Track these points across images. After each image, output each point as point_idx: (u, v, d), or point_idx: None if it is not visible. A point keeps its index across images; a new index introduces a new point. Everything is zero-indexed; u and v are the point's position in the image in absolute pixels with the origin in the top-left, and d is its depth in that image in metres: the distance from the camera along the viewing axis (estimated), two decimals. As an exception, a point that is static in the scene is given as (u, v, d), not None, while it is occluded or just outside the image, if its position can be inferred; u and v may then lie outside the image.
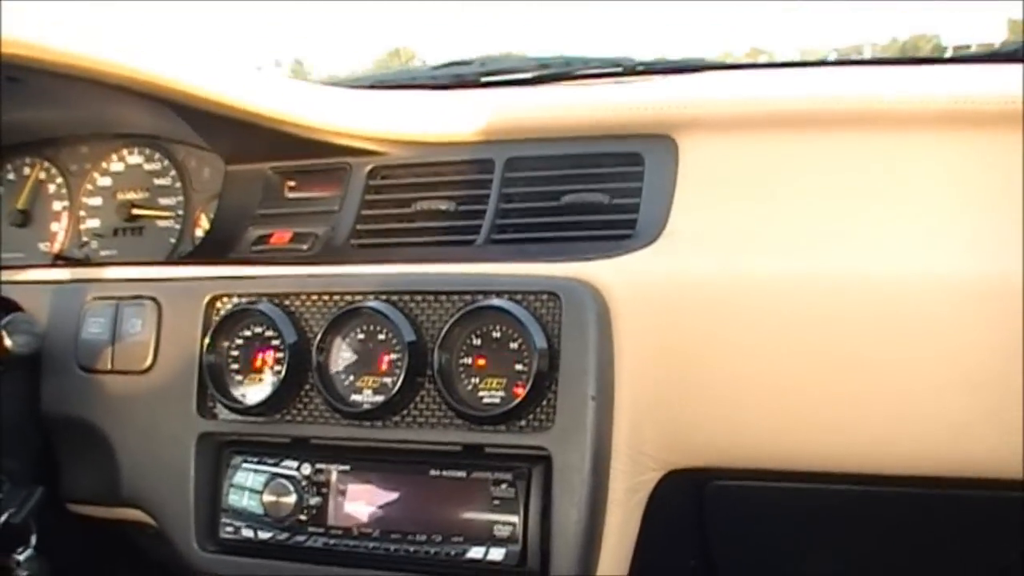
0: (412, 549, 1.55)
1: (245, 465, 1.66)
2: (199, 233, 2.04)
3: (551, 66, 2.16)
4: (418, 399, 1.59)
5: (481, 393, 1.54)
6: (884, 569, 1.72)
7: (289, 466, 1.63)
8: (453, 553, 1.53)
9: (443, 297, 1.59)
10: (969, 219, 1.48)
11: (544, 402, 1.53)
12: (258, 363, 1.67)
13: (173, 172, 2.08)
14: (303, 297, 1.66)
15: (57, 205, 2.17)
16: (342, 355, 1.62)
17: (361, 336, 1.61)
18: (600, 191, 1.67)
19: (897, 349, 1.46)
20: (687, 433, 1.53)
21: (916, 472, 1.48)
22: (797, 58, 2.24)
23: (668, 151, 1.65)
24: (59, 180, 2.17)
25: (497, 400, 1.53)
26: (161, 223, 2.08)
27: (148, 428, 1.73)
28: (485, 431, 1.55)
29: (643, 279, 1.54)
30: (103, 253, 2.10)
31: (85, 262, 2.03)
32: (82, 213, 2.14)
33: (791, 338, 1.49)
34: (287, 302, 1.67)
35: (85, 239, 2.12)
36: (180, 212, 2.07)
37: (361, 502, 1.59)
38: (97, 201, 2.13)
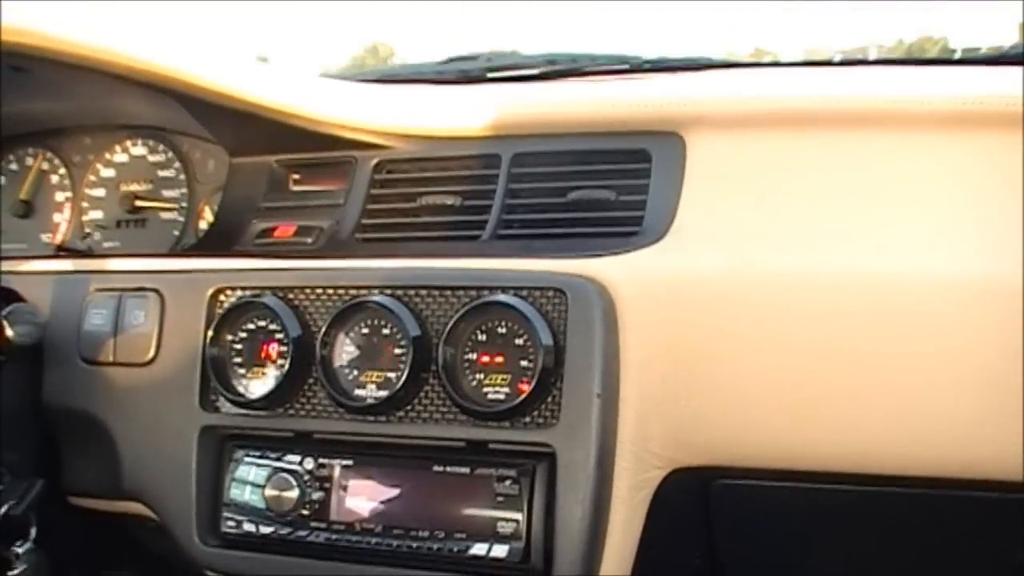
0: (415, 545, 1.54)
1: (247, 459, 1.65)
2: (203, 225, 2.04)
3: (557, 62, 2.16)
4: (422, 394, 1.58)
5: (486, 389, 1.54)
6: (889, 569, 1.71)
7: (292, 460, 1.62)
8: (456, 549, 1.52)
9: (448, 292, 1.58)
10: (972, 219, 1.47)
11: (549, 399, 1.52)
12: (261, 356, 1.66)
13: (177, 164, 2.08)
14: (307, 291, 1.65)
15: (60, 196, 2.16)
16: (346, 349, 1.61)
17: (365, 330, 1.60)
18: (607, 188, 1.66)
19: (901, 348, 1.45)
20: (692, 431, 1.52)
21: (921, 473, 1.47)
22: (802, 59, 2.23)
23: (675, 148, 1.64)
24: (62, 171, 2.16)
25: (502, 396, 1.52)
26: (164, 215, 2.08)
27: (150, 421, 1.72)
28: (489, 427, 1.54)
29: (650, 276, 1.53)
30: (106, 245, 2.10)
31: (88, 253, 2.02)
32: (85, 204, 2.13)
33: (797, 336, 1.48)
34: (291, 295, 1.66)
35: (88, 230, 2.12)
36: (184, 204, 2.07)
37: (364, 497, 1.58)
38: (100, 192, 2.13)
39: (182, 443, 1.68)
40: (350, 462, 1.59)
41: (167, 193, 2.08)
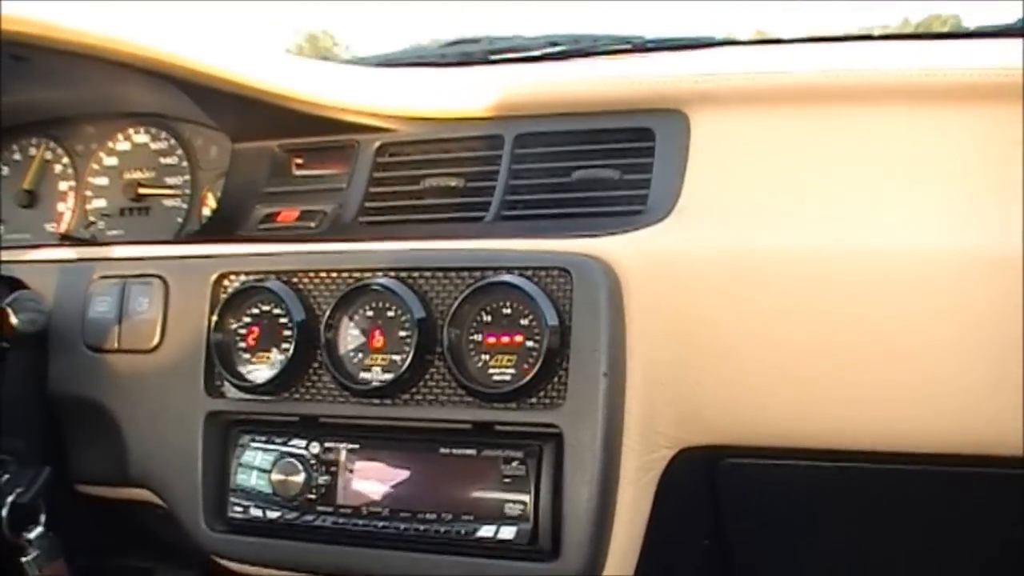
0: (422, 528, 1.54)
1: (253, 444, 1.64)
2: (206, 212, 2.03)
3: (559, 43, 2.15)
4: (428, 376, 1.57)
5: (491, 370, 1.53)
6: (898, 547, 1.70)
7: (297, 445, 1.61)
8: (463, 532, 1.52)
9: (452, 273, 1.57)
10: (974, 192, 1.47)
11: (555, 379, 1.51)
12: (266, 341, 1.65)
13: (180, 151, 2.08)
14: (311, 274, 1.64)
15: (63, 185, 2.16)
16: (351, 332, 1.60)
17: (370, 313, 1.59)
18: (611, 167, 1.65)
19: (907, 324, 1.44)
20: (700, 410, 1.51)
21: (925, 449, 1.47)
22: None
23: (679, 126, 1.63)
24: (65, 160, 2.16)
25: (508, 377, 1.52)
26: (168, 202, 2.07)
27: (155, 407, 1.72)
28: (495, 408, 1.53)
29: (655, 255, 1.52)
30: (110, 233, 2.10)
31: (91, 242, 2.02)
32: (88, 193, 2.13)
33: (803, 313, 1.47)
34: (295, 279, 1.65)
35: (91, 219, 2.11)
36: (187, 191, 2.06)
37: (370, 481, 1.57)
38: (103, 181, 2.13)
39: (188, 429, 1.68)
40: (356, 446, 1.59)
41: (170, 180, 2.08)
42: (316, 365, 1.63)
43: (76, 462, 1.84)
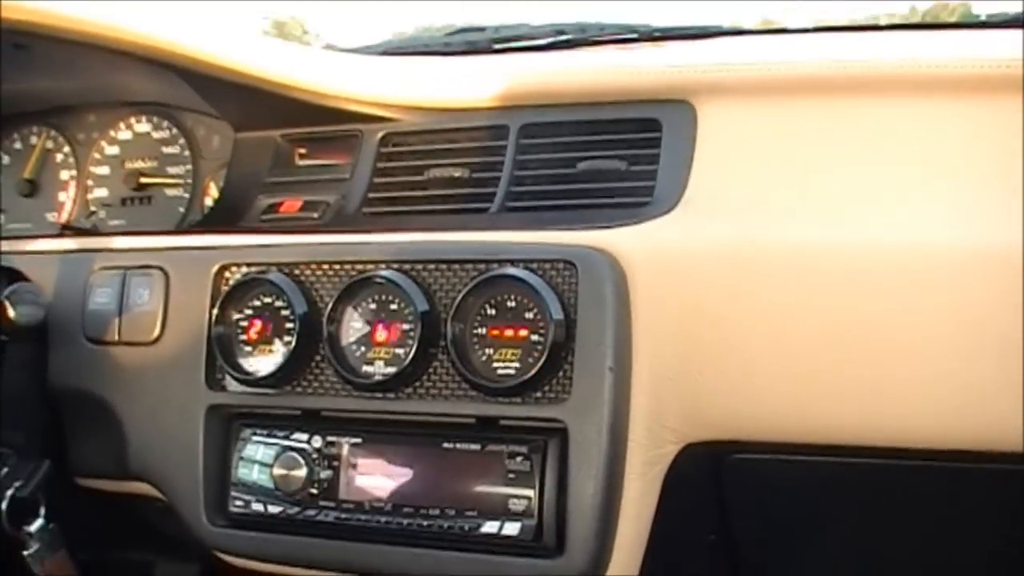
0: (425, 523, 1.52)
1: (255, 438, 1.63)
2: (208, 202, 2.02)
3: (566, 32, 2.13)
4: (431, 370, 1.56)
5: (496, 364, 1.51)
6: (903, 543, 1.69)
7: (299, 439, 1.60)
8: (467, 527, 1.50)
9: (456, 266, 1.56)
10: (980, 186, 1.45)
11: (560, 373, 1.49)
12: (268, 334, 1.64)
13: (182, 140, 2.06)
14: (313, 266, 1.63)
15: (64, 174, 2.15)
16: (353, 325, 1.58)
17: (373, 306, 1.58)
18: (617, 158, 1.63)
19: (911, 320, 1.43)
20: (706, 405, 1.50)
21: (931, 445, 1.45)
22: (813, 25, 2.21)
23: (686, 116, 1.62)
24: (66, 149, 2.15)
25: (512, 371, 1.50)
26: (170, 192, 2.06)
27: (156, 400, 1.71)
28: (500, 403, 1.51)
29: (661, 247, 1.51)
30: (111, 223, 2.08)
31: (92, 232, 2.01)
32: (90, 182, 2.12)
33: (809, 308, 1.45)
34: (297, 271, 1.63)
35: (93, 209, 2.10)
36: (189, 181, 2.05)
37: (373, 475, 1.56)
38: (105, 170, 2.11)
39: (189, 422, 1.67)
40: (359, 440, 1.57)
41: (172, 170, 2.06)
42: (318, 358, 1.61)
43: (76, 455, 1.82)
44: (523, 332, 1.51)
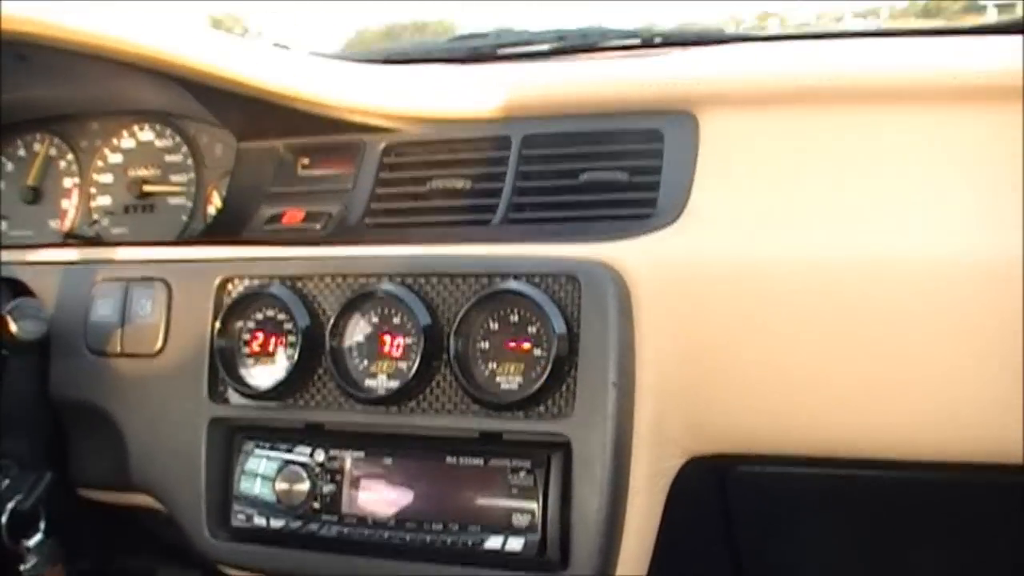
0: (428, 539, 1.52)
1: (257, 451, 1.62)
2: (211, 211, 2.01)
3: (568, 38, 2.13)
4: (434, 384, 1.55)
5: (499, 378, 1.51)
6: (907, 554, 1.69)
7: (302, 452, 1.59)
8: (470, 543, 1.50)
9: (459, 280, 1.55)
10: (984, 198, 1.45)
11: (563, 388, 1.49)
12: (270, 347, 1.63)
13: (184, 148, 2.05)
14: (316, 279, 1.62)
15: (67, 182, 2.14)
16: (356, 339, 1.58)
17: (376, 319, 1.57)
18: (619, 169, 1.63)
19: (914, 332, 1.43)
20: (710, 418, 1.50)
21: (935, 458, 1.45)
22: (812, 21, 2.21)
23: (688, 127, 1.61)
24: (69, 156, 2.14)
25: (515, 386, 1.50)
26: (173, 200, 2.05)
27: (158, 412, 1.70)
28: (503, 417, 1.51)
29: (664, 260, 1.51)
30: (114, 231, 2.08)
31: (95, 241, 2.01)
32: (93, 190, 2.11)
33: (814, 320, 1.45)
34: (300, 284, 1.63)
35: (96, 217, 2.09)
36: (192, 189, 2.04)
37: (376, 490, 1.55)
38: (108, 178, 2.10)
39: (191, 435, 1.66)
40: (361, 454, 1.57)
41: (175, 178, 2.06)
42: (321, 371, 1.61)
43: (78, 466, 1.82)
44: (526, 346, 1.50)
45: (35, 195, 2.15)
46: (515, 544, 1.48)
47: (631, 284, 1.50)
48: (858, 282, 1.44)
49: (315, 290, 1.62)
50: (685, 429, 1.50)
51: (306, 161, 1.87)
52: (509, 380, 1.50)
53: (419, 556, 1.53)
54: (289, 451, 1.60)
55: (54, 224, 2.13)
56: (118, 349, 1.73)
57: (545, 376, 1.47)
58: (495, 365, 1.51)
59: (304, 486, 1.57)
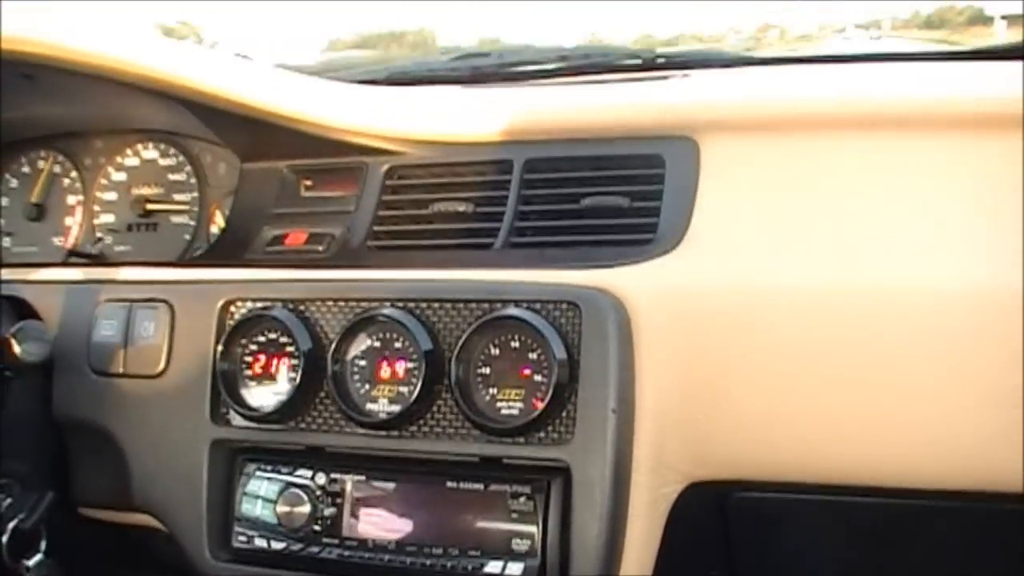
0: (428, 562, 1.52)
1: (259, 473, 1.63)
2: (214, 230, 2.02)
3: (571, 58, 2.14)
4: (435, 409, 1.56)
5: (499, 404, 1.51)
6: None
7: (303, 475, 1.60)
8: (470, 567, 1.50)
9: (460, 305, 1.56)
10: (988, 228, 1.45)
11: (564, 414, 1.50)
12: (272, 370, 1.64)
13: (188, 168, 2.06)
14: (318, 303, 1.63)
15: (71, 199, 2.15)
16: (358, 363, 1.59)
17: (377, 344, 1.58)
18: (620, 194, 1.63)
19: (914, 361, 1.44)
20: (710, 445, 1.50)
21: (933, 486, 1.46)
22: (814, 32, 2.21)
23: (689, 153, 1.62)
24: (73, 174, 2.15)
25: (515, 411, 1.50)
26: (176, 219, 2.06)
27: (160, 433, 1.71)
28: (503, 443, 1.52)
29: (664, 287, 1.51)
30: (117, 249, 2.08)
31: (99, 259, 2.01)
32: (96, 208, 2.12)
33: (813, 348, 1.46)
34: (302, 307, 1.64)
35: (99, 234, 2.10)
36: (195, 208, 2.05)
37: (376, 513, 1.56)
38: (111, 196, 2.11)
39: (193, 456, 1.67)
40: (362, 477, 1.57)
41: (178, 197, 2.06)
42: (323, 395, 1.61)
43: (80, 486, 1.82)
44: (527, 372, 1.51)
45: (39, 212, 2.16)
46: (515, 569, 1.48)
47: (631, 311, 1.50)
48: (858, 310, 1.45)
49: (317, 313, 1.63)
50: (685, 455, 1.50)
51: (309, 182, 1.87)
52: (510, 405, 1.51)
53: None
54: (290, 473, 1.61)
55: (58, 241, 2.14)
56: (121, 369, 1.74)
57: (546, 402, 1.47)
58: (496, 390, 1.52)
59: (305, 508, 1.58)
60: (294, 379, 1.61)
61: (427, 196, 1.74)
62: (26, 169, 2.19)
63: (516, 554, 1.49)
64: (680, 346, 1.49)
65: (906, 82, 1.74)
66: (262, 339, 1.65)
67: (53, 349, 1.74)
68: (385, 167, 1.78)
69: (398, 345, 1.56)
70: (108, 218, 2.11)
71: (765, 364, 1.47)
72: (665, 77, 1.95)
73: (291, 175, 1.88)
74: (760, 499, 1.56)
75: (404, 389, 1.55)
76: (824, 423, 1.46)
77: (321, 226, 1.80)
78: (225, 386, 1.65)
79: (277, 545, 1.60)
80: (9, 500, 1.70)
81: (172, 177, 2.07)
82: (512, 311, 1.51)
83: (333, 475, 1.58)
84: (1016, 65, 1.62)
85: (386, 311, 1.57)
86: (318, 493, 1.58)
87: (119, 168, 2.11)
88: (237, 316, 1.67)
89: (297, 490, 1.59)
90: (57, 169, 2.16)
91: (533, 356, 1.50)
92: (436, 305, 1.57)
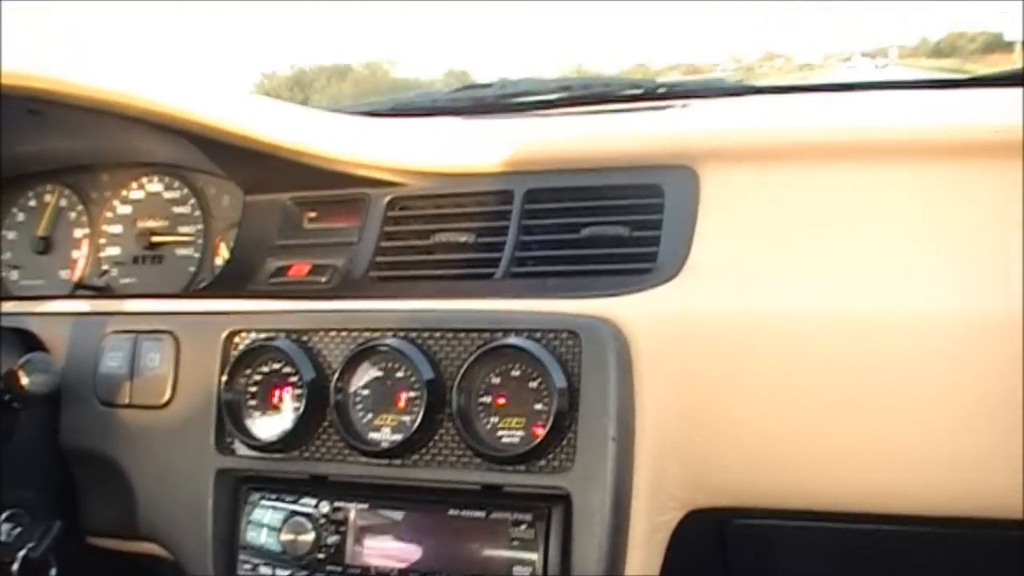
0: None
1: (263, 502, 1.65)
2: (218, 262, 2.04)
3: (572, 89, 2.15)
4: (437, 438, 1.57)
5: (500, 432, 1.53)
6: None
7: (307, 504, 1.61)
8: (472, 595, 1.52)
9: (462, 334, 1.57)
10: (988, 254, 1.46)
11: (564, 442, 1.51)
12: (276, 399, 1.65)
13: (193, 200, 2.08)
14: (321, 333, 1.65)
15: (78, 232, 2.17)
16: (360, 393, 1.60)
17: (379, 373, 1.59)
18: (620, 224, 1.64)
19: (914, 389, 1.44)
20: (710, 472, 1.51)
21: (933, 513, 1.47)
22: (819, 61, 2.23)
23: (689, 182, 1.63)
24: (79, 207, 2.17)
25: (516, 440, 1.52)
26: (181, 251, 2.08)
27: (166, 463, 1.72)
28: (504, 471, 1.53)
29: (664, 316, 1.52)
30: (123, 281, 2.10)
31: (105, 291, 2.04)
32: (102, 241, 2.14)
33: (813, 376, 1.47)
34: (305, 338, 1.65)
35: (105, 267, 2.12)
36: (200, 240, 2.07)
37: (379, 541, 1.57)
38: (117, 229, 2.13)
39: (198, 485, 1.68)
40: (365, 505, 1.59)
41: (183, 229, 2.09)
42: (326, 424, 1.63)
43: (87, 515, 1.84)
44: (527, 400, 1.52)
45: (46, 245, 2.18)
46: (516, 596, 1.50)
47: (631, 339, 1.52)
48: (859, 338, 1.46)
49: (320, 344, 1.65)
50: (685, 483, 1.51)
51: (312, 214, 1.89)
52: (511, 434, 1.52)
53: None
54: (294, 502, 1.62)
55: (64, 274, 2.16)
56: (127, 400, 1.76)
57: (546, 431, 1.49)
58: (497, 419, 1.53)
59: (309, 537, 1.59)
60: (298, 409, 1.62)
61: (429, 227, 1.76)
62: (33, 203, 2.21)
63: None
64: (679, 374, 1.51)
65: (906, 111, 1.75)
66: (266, 369, 1.66)
67: (60, 381, 1.76)
68: (387, 198, 1.80)
69: (400, 374, 1.58)
70: (114, 251, 2.13)
71: (764, 392, 1.48)
72: (665, 107, 1.97)
73: (294, 207, 1.89)
74: (759, 526, 1.57)
75: (406, 418, 1.57)
76: (823, 450, 1.47)
77: (324, 257, 1.81)
78: (230, 416, 1.66)
79: (281, 573, 1.61)
80: (19, 529, 1.72)
81: (177, 210, 2.09)
82: (513, 340, 1.53)
83: (337, 503, 1.60)
84: (1016, 92, 1.63)
85: (388, 341, 1.58)
86: (322, 521, 1.59)
87: (124, 201, 2.13)
88: (241, 347, 1.69)
89: (301, 518, 1.60)
90: (63, 203, 2.18)
91: (534, 385, 1.52)
92: (438, 335, 1.58)
